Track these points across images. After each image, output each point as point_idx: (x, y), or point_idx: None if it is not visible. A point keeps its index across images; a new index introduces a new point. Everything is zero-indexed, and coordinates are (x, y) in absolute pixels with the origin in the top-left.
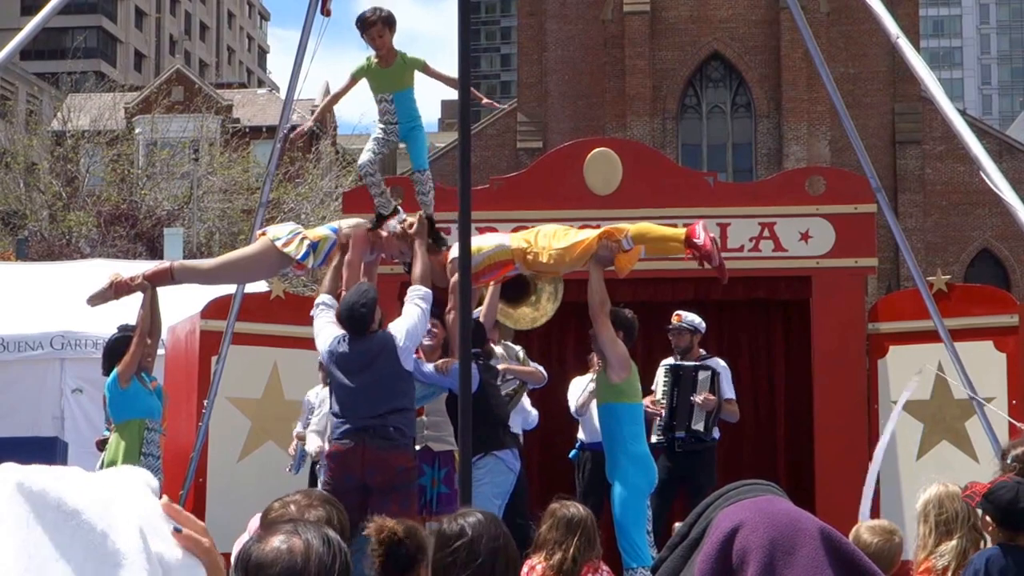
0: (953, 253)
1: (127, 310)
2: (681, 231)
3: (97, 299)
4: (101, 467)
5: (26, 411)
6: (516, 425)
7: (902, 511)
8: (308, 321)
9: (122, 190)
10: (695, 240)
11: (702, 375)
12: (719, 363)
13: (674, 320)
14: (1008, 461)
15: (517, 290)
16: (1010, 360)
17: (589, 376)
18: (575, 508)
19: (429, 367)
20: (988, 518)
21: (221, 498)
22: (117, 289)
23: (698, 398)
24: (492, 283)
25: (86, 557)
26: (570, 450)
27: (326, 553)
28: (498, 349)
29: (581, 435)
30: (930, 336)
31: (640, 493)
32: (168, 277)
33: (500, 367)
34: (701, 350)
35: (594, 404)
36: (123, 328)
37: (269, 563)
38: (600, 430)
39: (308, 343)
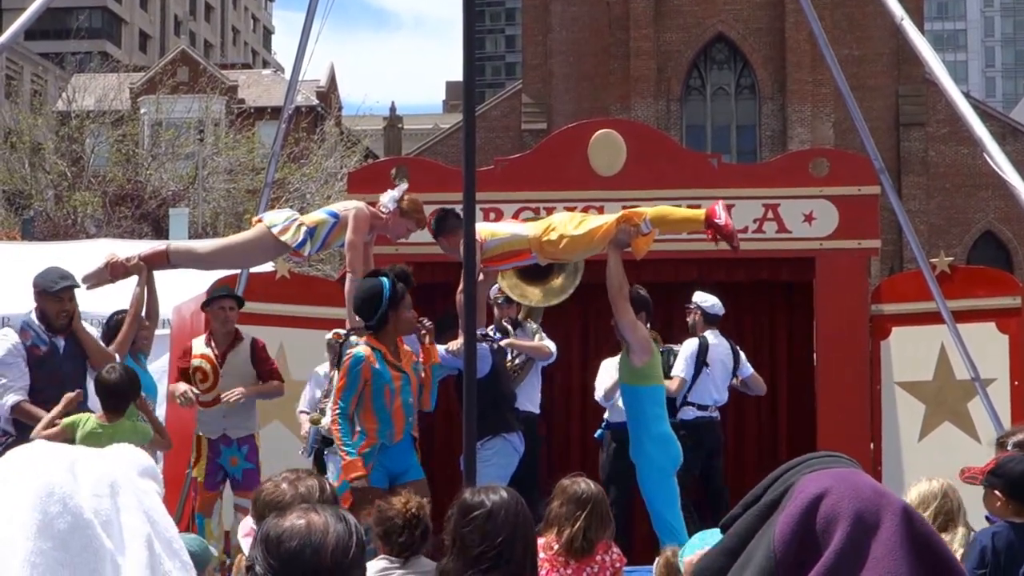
0: (956, 235)
1: (129, 291)
2: (700, 212)
3: (92, 280)
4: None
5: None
6: (534, 403)
7: (904, 493)
8: (314, 301)
9: (127, 170)
10: (716, 220)
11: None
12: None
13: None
14: (1009, 448)
15: (538, 269)
16: (1012, 341)
17: (618, 359)
18: (585, 484)
19: (440, 349)
20: (997, 492)
21: None
22: (113, 270)
23: None
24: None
25: (94, 570)
26: (578, 431)
27: (343, 530)
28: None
29: (607, 415)
30: (933, 317)
31: (664, 473)
32: (164, 260)
33: (504, 343)
34: (704, 332)
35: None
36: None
37: (289, 537)
38: (625, 412)
39: (314, 323)
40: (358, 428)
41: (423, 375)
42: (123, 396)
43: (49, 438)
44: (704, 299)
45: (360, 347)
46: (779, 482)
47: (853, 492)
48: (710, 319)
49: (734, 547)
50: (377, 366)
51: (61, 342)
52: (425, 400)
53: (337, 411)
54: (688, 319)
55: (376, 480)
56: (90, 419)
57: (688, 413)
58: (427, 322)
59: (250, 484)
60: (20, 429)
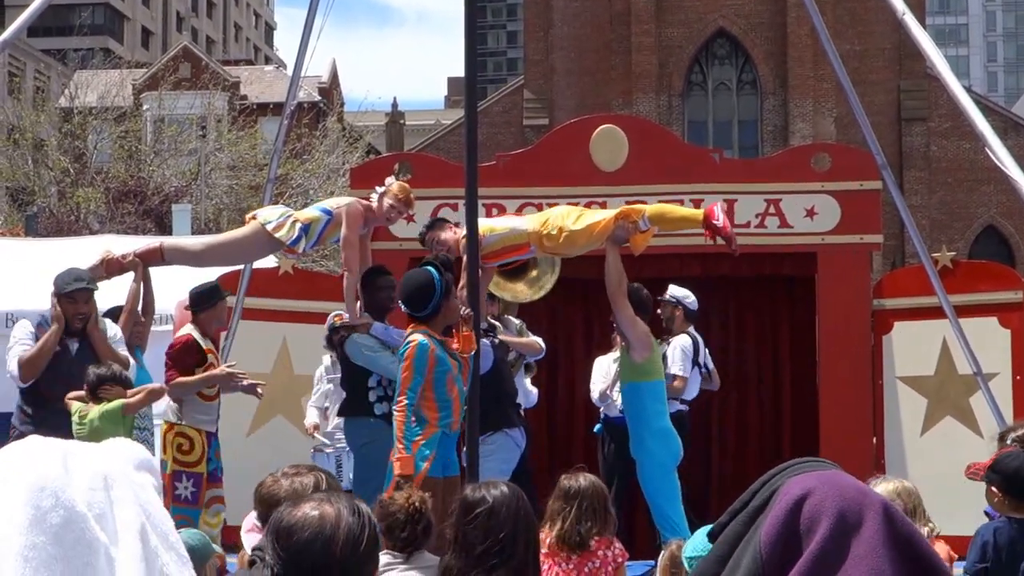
0: (958, 230)
1: (126, 287)
2: (698, 212)
3: None
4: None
5: None
6: (524, 400)
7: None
8: (317, 296)
9: (130, 166)
10: (714, 221)
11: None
12: (678, 344)
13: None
14: (1008, 442)
15: (514, 265)
16: (1014, 336)
17: (612, 355)
18: (578, 480)
19: None
20: (995, 489)
21: (230, 472)
22: (108, 267)
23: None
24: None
25: (88, 563)
26: (582, 426)
27: (355, 523)
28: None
29: (603, 410)
30: (935, 312)
31: (666, 468)
32: (159, 256)
33: (500, 338)
34: (687, 327)
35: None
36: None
37: (300, 528)
38: (624, 409)
39: (317, 318)
40: (413, 418)
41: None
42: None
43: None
44: (685, 294)
45: (419, 336)
46: (765, 487)
47: (836, 492)
48: (691, 315)
49: (724, 554)
50: (439, 353)
51: (75, 344)
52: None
53: (405, 402)
54: (661, 312)
55: (433, 470)
56: (73, 417)
57: (672, 406)
58: (466, 310)
59: (221, 476)
60: (36, 422)
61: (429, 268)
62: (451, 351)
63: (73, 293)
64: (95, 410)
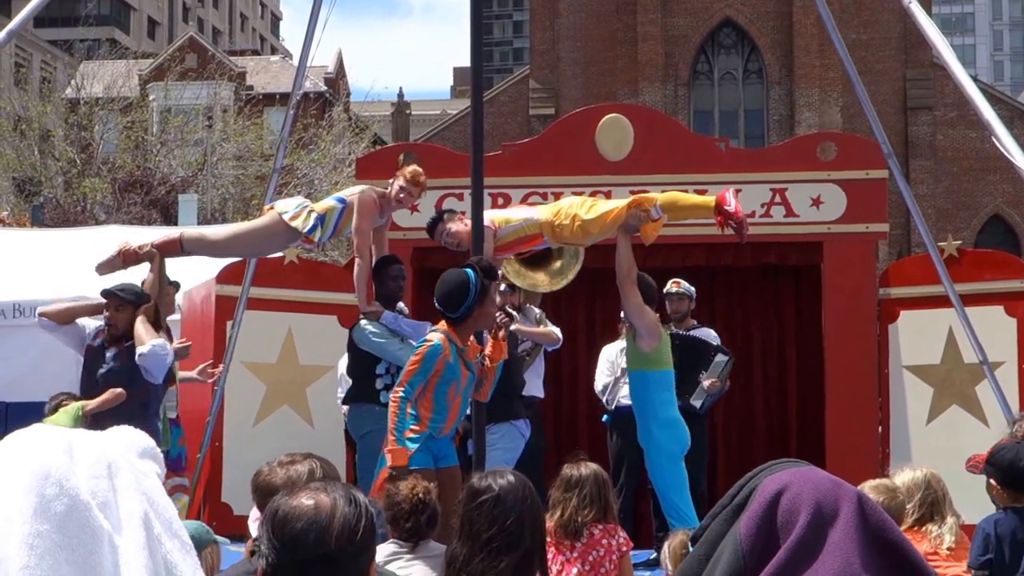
0: (964, 219)
1: (140, 277)
2: (710, 199)
3: (105, 268)
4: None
5: (44, 376)
6: (538, 389)
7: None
8: (322, 286)
9: (136, 157)
10: (726, 207)
11: (720, 358)
12: (712, 334)
13: (673, 287)
14: (1013, 431)
15: (538, 254)
16: (1020, 325)
17: (619, 345)
18: (578, 469)
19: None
20: (993, 482)
21: (237, 462)
22: (125, 258)
23: (706, 382)
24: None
25: (92, 551)
26: (586, 415)
27: (351, 513)
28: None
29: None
30: (941, 301)
31: (673, 457)
32: (177, 248)
33: (512, 328)
34: (692, 320)
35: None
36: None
37: (295, 518)
38: (631, 397)
39: (322, 308)
40: (411, 411)
41: (485, 367)
42: None
43: None
44: (692, 287)
45: (438, 336)
46: (743, 489)
47: (812, 485)
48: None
49: (707, 553)
50: (451, 360)
51: (111, 352)
52: (484, 392)
53: (400, 394)
54: (677, 305)
55: (424, 462)
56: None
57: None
58: (502, 317)
59: (184, 464)
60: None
61: (467, 271)
62: (467, 360)
63: (105, 294)
64: (60, 412)
